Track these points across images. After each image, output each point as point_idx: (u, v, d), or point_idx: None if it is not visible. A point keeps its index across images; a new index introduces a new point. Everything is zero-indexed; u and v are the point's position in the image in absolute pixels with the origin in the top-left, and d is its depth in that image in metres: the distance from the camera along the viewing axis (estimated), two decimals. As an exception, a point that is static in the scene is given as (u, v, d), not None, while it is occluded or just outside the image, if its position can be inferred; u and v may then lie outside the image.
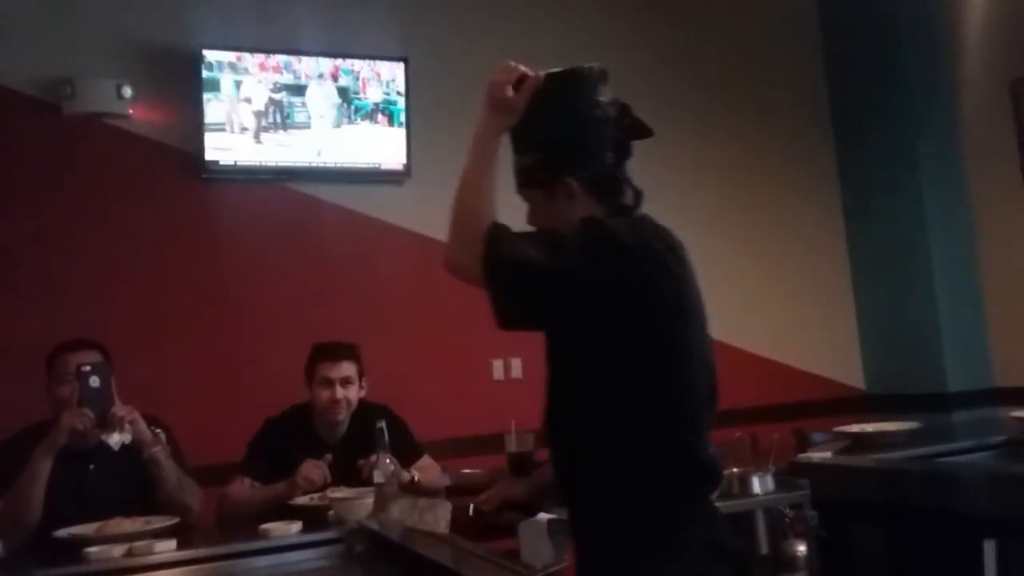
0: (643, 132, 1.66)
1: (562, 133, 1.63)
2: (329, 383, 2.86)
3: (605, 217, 1.58)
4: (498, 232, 1.55)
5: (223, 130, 3.76)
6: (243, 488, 2.74)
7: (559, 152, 1.62)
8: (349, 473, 2.67)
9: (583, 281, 1.49)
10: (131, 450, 2.50)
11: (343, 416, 2.89)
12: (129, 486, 2.53)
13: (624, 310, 1.50)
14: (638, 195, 1.67)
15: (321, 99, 3.96)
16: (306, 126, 3.93)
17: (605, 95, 1.64)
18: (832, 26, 4.97)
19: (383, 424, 2.45)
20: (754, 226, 4.82)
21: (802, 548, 2.37)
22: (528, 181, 1.65)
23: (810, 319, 4.82)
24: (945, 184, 4.50)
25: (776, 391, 4.58)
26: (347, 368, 2.90)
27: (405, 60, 4.07)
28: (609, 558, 1.53)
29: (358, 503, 2.28)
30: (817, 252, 4.93)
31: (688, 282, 1.61)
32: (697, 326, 1.62)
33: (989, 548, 2.13)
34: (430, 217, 4.18)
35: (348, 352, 2.93)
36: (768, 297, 4.78)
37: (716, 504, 1.65)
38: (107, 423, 2.45)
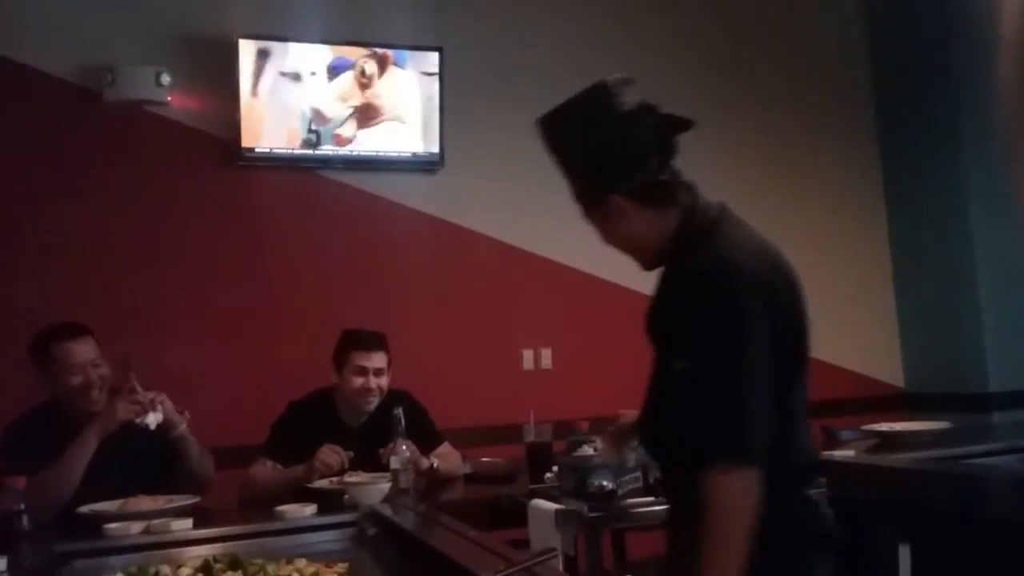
0: (681, 126, 1.66)
1: (593, 155, 1.66)
2: (363, 372, 2.89)
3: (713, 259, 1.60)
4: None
5: (259, 117, 3.82)
6: (265, 470, 2.79)
7: (597, 174, 1.66)
8: (371, 458, 2.69)
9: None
10: (133, 433, 2.58)
11: (374, 405, 2.92)
12: (140, 467, 2.62)
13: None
14: (691, 190, 1.69)
15: (357, 87, 3.99)
16: (341, 114, 3.96)
17: (628, 103, 1.63)
18: (878, 17, 4.86)
19: (400, 410, 2.46)
20: (792, 218, 4.74)
21: (819, 546, 2.33)
22: (584, 205, 1.72)
23: (850, 315, 4.74)
24: (990, 177, 4.38)
25: (812, 387, 4.51)
26: (380, 358, 2.94)
27: (440, 49, 4.08)
28: None
29: (371, 488, 2.30)
30: (858, 246, 4.84)
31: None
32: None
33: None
34: (462, 206, 4.20)
35: (381, 342, 2.96)
36: (807, 292, 4.70)
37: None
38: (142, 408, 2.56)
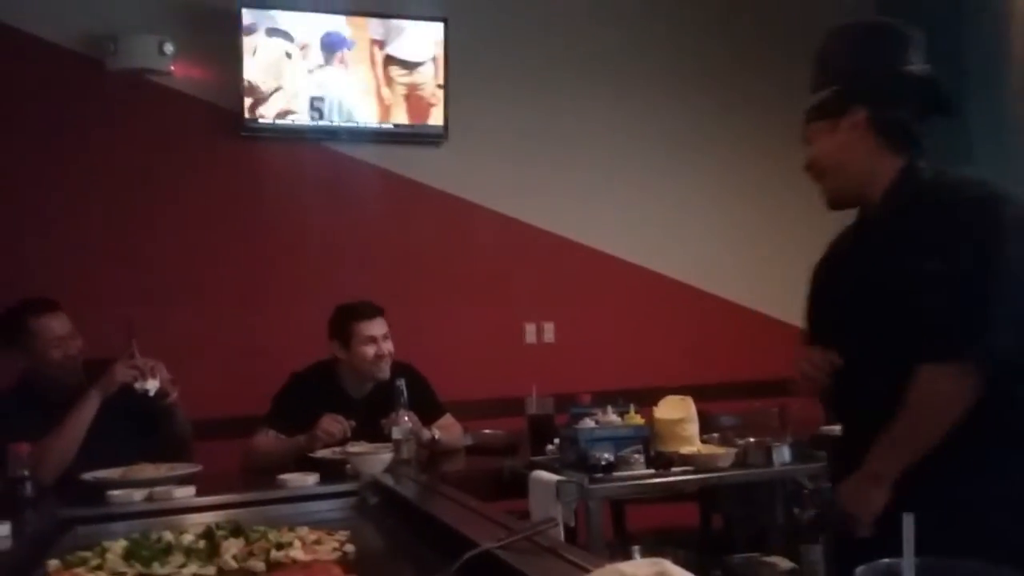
0: (946, 108, 1.66)
1: (866, 66, 1.64)
2: (373, 340, 2.91)
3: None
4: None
5: (262, 88, 3.80)
6: (267, 440, 2.80)
7: (853, 83, 1.64)
8: (372, 429, 2.70)
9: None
10: (127, 398, 2.61)
11: (387, 371, 2.92)
12: (130, 429, 2.66)
13: None
14: (920, 152, 1.65)
15: (360, 58, 3.97)
16: (344, 86, 3.94)
17: (915, 57, 1.65)
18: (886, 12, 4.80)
19: (402, 382, 2.47)
20: (792, 196, 4.72)
21: (819, 520, 2.34)
22: (819, 114, 1.68)
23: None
24: (994, 167, 4.34)
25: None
26: (382, 324, 2.96)
27: (445, 21, 4.04)
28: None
29: (373, 458, 2.31)
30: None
31: None
32: None
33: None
34: (467, 179, 4.19)
35: (379, 310, 2.99)
36: (805, 278, 4.70)
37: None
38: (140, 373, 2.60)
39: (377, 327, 2.93)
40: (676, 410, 2.57)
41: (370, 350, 2.90)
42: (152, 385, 2.59)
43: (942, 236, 1.53)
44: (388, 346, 2.94)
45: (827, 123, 1.66)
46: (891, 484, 1.53)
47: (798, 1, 4.73)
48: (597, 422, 2.48)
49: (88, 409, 2.54)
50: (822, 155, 1.69)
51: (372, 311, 2.96)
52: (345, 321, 2.96)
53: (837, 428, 2.81)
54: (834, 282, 1.77)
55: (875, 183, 1.64)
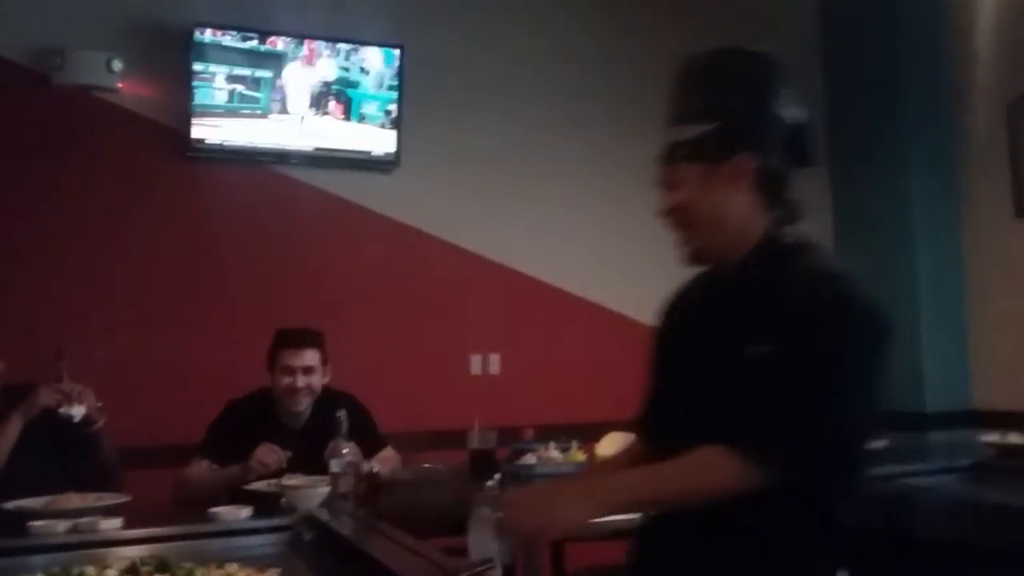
0: (810, 159, 1.49)
1: (746, 106, 1.45)
2: (290, 371, 2.85)
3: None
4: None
5: (211, 109, 3.75)
6: (200, 470, 2.74)
7: (738, 125, 1.43)
8: (310, 461, 2.65)
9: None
10: (42, 427, 2.54)
11: (304, 405, 2.88)
12: (47, 461, 2.59)
13: None
14: (792, 213, 1.48)
15: (314, 83, 3.94)
16: (296, 109, 3.91)
17: (787, 96, 1.46)
18: (832, 27, 4.90)
19: (343, 413, 2.43)
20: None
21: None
22: (694, 153, 1.45)
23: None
24: (937, 204, 4.46)
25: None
26: (310, 357, 2.88)
27: (401, 47, 4.04)
28: None
29: (310, 491, 2.27)
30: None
31: None
32: None
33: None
34: (417, 207, 4.17)
35: (312, 339, 2.91)
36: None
37: None
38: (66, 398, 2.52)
39: (301, 358, 2.85)
40: (619, 446, 2.56)
41: (285, 380, 2.84)
42: (78, 411, 2.53)
43: (784, 329, 1.35)
44: (308, 380, 2.85)
45: (703, 167, 1.44)
46: (590, 518, 1.40)
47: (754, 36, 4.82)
48: (539, 458, 2.47)
49: (9, 434, 2.47)
50: (695, 205, 1.46)
51: (300, 340, 2.89)
52: (273, 345, 2.91)
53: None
54: (676, 345, 1.64)
55: (740, 244, 1.46)
